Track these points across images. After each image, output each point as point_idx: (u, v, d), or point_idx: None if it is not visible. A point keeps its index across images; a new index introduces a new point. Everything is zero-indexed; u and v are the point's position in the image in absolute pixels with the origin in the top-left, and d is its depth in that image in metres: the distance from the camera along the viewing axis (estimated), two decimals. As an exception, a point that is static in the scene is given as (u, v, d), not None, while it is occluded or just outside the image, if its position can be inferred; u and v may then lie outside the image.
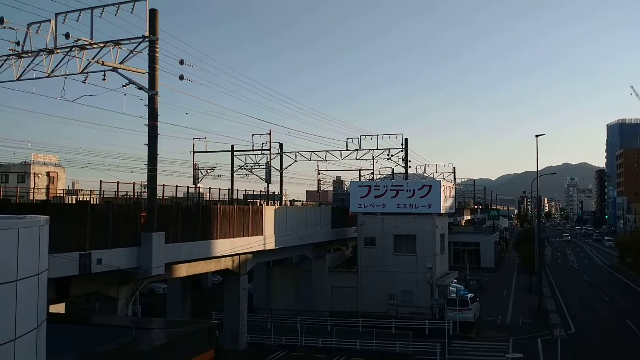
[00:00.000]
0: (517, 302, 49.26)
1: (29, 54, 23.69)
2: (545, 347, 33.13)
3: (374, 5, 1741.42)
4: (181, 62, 25.47)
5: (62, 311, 26.93)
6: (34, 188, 46.75)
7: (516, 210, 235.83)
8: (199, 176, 51.37)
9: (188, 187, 38.04)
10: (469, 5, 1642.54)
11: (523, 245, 69.84)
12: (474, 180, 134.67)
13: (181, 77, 26.25)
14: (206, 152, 50.26)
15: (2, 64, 24.50)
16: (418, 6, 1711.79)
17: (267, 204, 39.01)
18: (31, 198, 38.19)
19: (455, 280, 48.55)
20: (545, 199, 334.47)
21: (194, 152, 50.33)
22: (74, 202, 30.61)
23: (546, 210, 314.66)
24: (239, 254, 32.73)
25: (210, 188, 38.25)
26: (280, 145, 52.40)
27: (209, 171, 51.61)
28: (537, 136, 46.90)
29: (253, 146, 47.54)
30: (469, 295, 40.58)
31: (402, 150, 51.20)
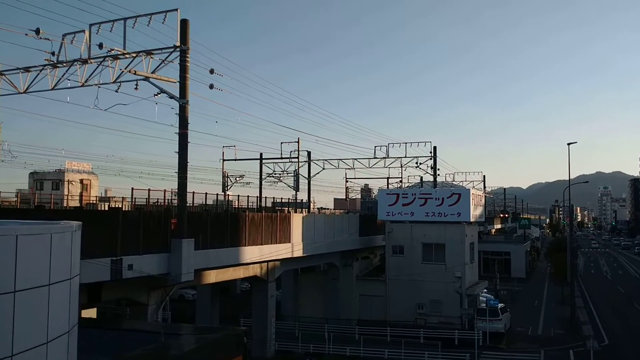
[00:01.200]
0: (549, 312, 48.37)
1: (64, 64, 24.26)
2: (577, 359, 32.44)
3: (410, 19, 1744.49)
4: (211, 72, 25.82)
5: (94, 316, 27.43)
6: (67, 195, 47.68)
7: (548, 220, 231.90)
8: (228, 184, 51.80)
9: (217, 194, 38.33)
10: (507, 17, 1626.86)
11: (555, 255, 68.64)
12: (504, 189, 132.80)
13: (211, 86, 26.60)
14: (235, 160, 50.70)
15: (38, 73, 25.17)
16: (459, 17, 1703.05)
17: (295, 212, 39.12)
18: (65, 205, 39.00)
19: (485, 290, 47.90)
20: (578, 208, 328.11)
21: (224, 160, 50.80)
22: (106, 208, 31.18)
23: (579, 220, 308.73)
24: (267, 261, 32.87)
25: (239, 195, 38.61)
26: (309, 153, 52.56)
27: (238, 179, 52.02)
28: (569, 144, 46.23)
29: (281, 154, 47.78)
30: (499, 305, 40.00)
31: (430, 158, 50.86)
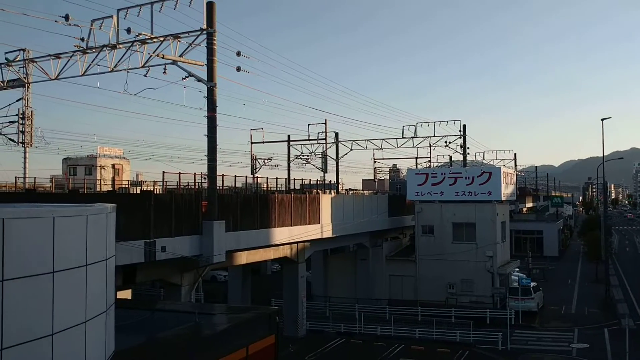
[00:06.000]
0: (583, 291, 47.74)
1: (93, 50, 24.52)
2: (612, 337, 32.04)
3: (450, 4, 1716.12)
4: (238, 54, 25.83)
5: (129, 297, 27.99)
6: (100, 180, 48.51)
7: (581, 197, 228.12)
8: (257, 166, 52.06)
9: (246, 177, 38.69)
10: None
11: (588, 233, 67.46)
12: (536, 167, 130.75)
13: (238, 69, 26.65)
14: (263, 142, 50.86)
15: (68, 60, 25.49)
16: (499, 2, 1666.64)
17: (324, 193, 39.16)
18: (98, 189, 39.72)
19: (517, 269, 47.47)
20: (612, 185, 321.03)
21: (252, 142, 51.04)
22: (138, 192, 31.65)
23: (613, 197, 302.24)
24: (297, 242, 33.05)
25: (267, 178, 38.83)
26: (336, 134, 52.51)
27: (266, 161, 52.23)
28: (602, 120, 45.15)
29: (309, 136, 47.80)
30: (532, 284, 39.61)
31: (460, 137, 50.33)
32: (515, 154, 79.69)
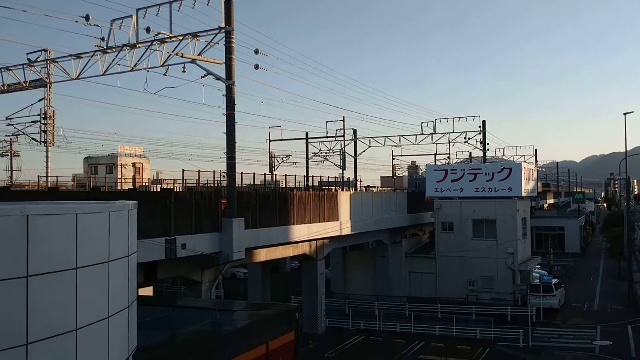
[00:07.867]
0: (605, 288, 47.12)
1: (113, 49, 24.77)
2: (636, 334, 31.60)
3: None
4: (256, 52, 25.93)
5: (150, 294, 28.26)
6: (121, 178, 48.92)
7: (603, 193, 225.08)
8: (275, 164, 52.14)
9: (265, 174, 38.72)
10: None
11: (611, 229, 66.50)
12: (557, 162, 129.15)
13: (256, 67, 26.73)
14: (281, 140, 50.89)
15: (89, 59, 25.79)
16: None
17: (342, 190, 39.12)
18: (119, 187, 40.07)
19: (539, 266, 47.01)
20: (635, 181, 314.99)
21: (270, 140, 51.09)
22: (158, 190, 31.87)
23: (635, 193, 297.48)
24: (316, 239, 33.07)
25: (286, 175, 38.83)
26: (354, 131, 52.41)
27: (284, 159, 52.26)
28: (625, 114, 44.52)
29: (327, 133, 47.75)
30: (553, 280, 39.20)
31: (479, 133, 49.90)
32: (535, 150, 78.84)
